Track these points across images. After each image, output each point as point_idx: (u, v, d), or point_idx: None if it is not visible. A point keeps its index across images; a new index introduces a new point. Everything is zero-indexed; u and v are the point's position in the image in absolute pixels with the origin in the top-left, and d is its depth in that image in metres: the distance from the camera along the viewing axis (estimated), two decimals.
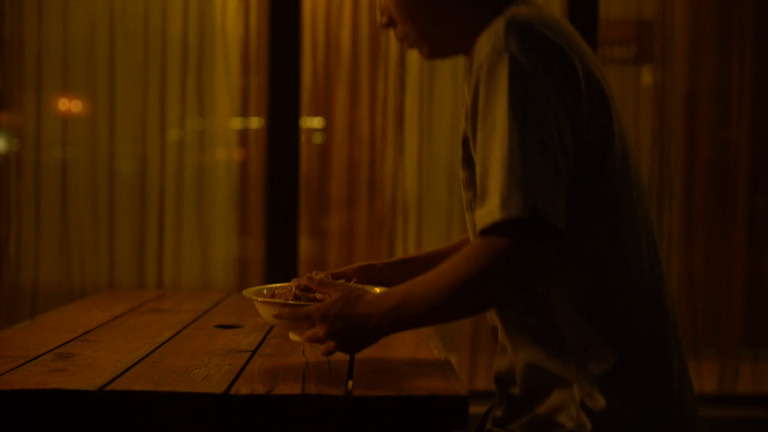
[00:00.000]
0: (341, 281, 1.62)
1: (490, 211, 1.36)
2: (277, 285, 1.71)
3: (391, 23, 1.70)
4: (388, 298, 1.48)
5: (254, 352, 1.76)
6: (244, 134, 4.14)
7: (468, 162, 1.54)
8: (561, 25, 1.51)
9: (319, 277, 1.60)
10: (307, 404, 1.40)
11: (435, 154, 4.15)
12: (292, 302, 1.58)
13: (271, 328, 2.04)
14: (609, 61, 4.24)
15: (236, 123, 4.16)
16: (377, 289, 1.63)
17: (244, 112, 4.12)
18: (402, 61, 4.11)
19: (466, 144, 1.53)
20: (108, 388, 1.42)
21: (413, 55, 4.14)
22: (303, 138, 4.07)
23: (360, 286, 1.59)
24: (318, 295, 1.60)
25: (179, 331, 1.99)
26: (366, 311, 1.48)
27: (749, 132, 4.14)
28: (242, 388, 1.43)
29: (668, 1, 4.11)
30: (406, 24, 1.67)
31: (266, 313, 1.62)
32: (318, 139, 4.15)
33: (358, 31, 4.10)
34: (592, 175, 1.47)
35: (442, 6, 1.65)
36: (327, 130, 4.13)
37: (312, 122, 4.13)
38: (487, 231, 1.37)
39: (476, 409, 1.91)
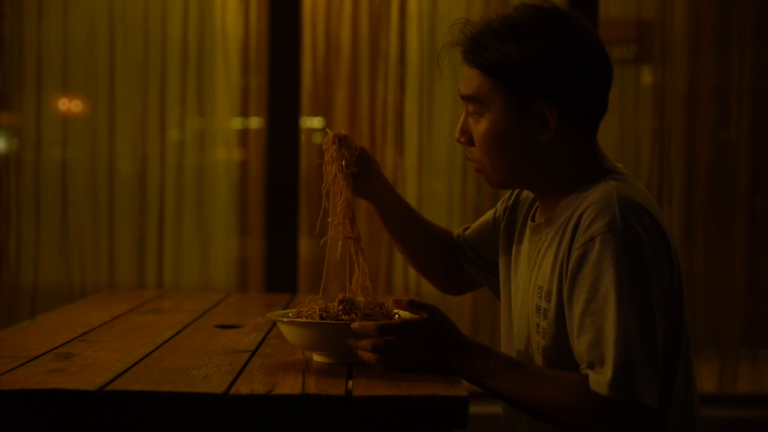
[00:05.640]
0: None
1: (604, 376, 1.46)
2: (297, 309, 1.71)
3: (468, 143, 1.68)
4: (488, 354, 1.55)
5: (254, 352, 1.76)
6: (244, 134, 4.14)
7: (547, 314, 1.61)
8: (654, 203, 1.59)
9: (407, 299, 1.61)
10: (307, 404, 1.40)
11: (435, 154, 4.15)
12: (329, 321, 1.61)
13: (271, 328, 2.04)
14: None
15: (236, 123, 4.15)
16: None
17: (244, 112, 4.12)
18: (402, 61, 4.11)
19: (548, 297, 1.60)
20: (108, 388, 1.42)
21: (413, 55, 4.13)
22: (303, 138, 4.07)
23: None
24: (344, 316, 1.62)
25: (179, 331, 1.99)
26: (460, 341, 1.55)
27: (749, 132, 4.13)
28: (242, 388, 1.43)
29: (668, 1, 4.11)
30: (488, 158, 1.65)
31: (295, 335, 1.63)
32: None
33: (358, 31, 4.10)
34: (672, 343, 1.58)
35: (534, 158, 1.63)
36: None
37: (312, 122, 4.13)
38: (594, 392, 1.48)
39: (476, 409, 1.91)
